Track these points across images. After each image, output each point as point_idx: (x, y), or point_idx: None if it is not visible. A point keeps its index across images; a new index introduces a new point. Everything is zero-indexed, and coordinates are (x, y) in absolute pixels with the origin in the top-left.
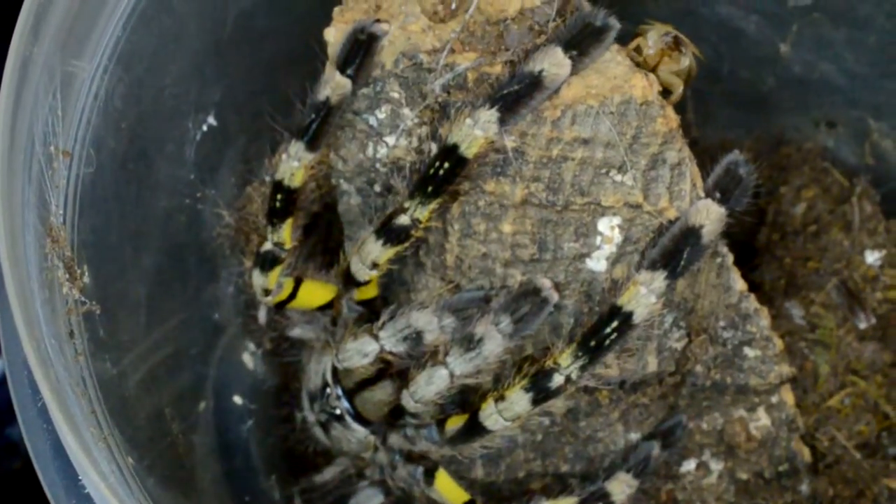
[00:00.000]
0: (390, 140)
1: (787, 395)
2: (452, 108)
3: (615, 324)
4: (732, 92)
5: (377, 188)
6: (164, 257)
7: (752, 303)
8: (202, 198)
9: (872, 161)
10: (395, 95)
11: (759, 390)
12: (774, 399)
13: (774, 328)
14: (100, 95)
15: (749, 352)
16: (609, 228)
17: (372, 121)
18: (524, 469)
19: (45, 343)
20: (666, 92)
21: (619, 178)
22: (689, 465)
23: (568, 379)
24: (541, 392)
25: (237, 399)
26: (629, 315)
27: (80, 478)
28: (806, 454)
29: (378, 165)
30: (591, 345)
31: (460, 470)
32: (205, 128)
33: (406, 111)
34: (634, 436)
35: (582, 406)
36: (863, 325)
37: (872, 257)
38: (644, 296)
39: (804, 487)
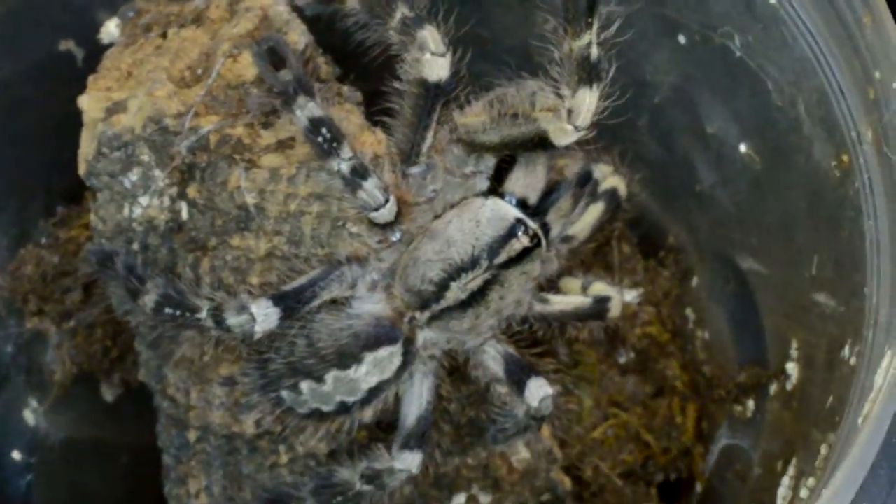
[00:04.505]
0: (144, 200)
1: (543, 429)
2: (198, 168)
3: None
4: None
5: (135, 247)
6: None
7: None
8: None
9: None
10: (146, 158)
11: None
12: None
13: None
14: None
15: (499, 388)
16: None
17: (126, 182)
18: None
19: None
20: None
21: (354, 229)
22: (460, 499)
23: None
24: None
25: (16, 455)
26: None
27: None
28: (567, 483)
29: (135, 225)
30: None
31: None
32: None
33: (157, 172)
34: None
35: None
36: (623, 360)
37: (631, 296)
38: None
39: None
